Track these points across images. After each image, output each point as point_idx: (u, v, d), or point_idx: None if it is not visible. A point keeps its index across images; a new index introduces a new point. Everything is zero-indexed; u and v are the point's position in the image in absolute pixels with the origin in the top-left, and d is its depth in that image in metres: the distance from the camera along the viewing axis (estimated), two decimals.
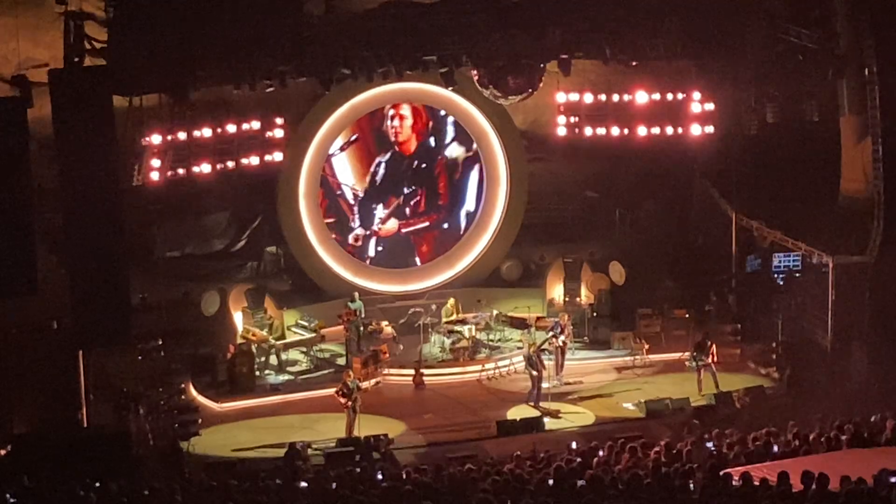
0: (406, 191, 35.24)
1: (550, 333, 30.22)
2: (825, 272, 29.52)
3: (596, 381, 30.33)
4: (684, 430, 24.47)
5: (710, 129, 31.41)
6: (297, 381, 30.65)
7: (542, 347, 29.49)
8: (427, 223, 35.66)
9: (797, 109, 30.50)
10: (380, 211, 34.97)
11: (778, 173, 32.78)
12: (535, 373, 28.26)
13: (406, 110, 34.67)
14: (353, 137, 34.28)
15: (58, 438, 23.99)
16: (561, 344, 29.98)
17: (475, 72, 29.08)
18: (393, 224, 35.23)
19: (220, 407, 29.06)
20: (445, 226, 35.91)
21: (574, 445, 22.17)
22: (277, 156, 30.27)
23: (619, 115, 31.10)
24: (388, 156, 34.82)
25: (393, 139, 34.78)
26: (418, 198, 35.41)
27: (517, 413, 27.74)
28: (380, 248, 35.23)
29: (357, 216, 34.86)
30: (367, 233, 35.05)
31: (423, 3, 28.23)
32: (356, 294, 32.52)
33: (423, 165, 35.29)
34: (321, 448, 25.44)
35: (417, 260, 35.65)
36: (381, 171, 34.81)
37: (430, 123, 35.00)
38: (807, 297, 30.66)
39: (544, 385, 28.48)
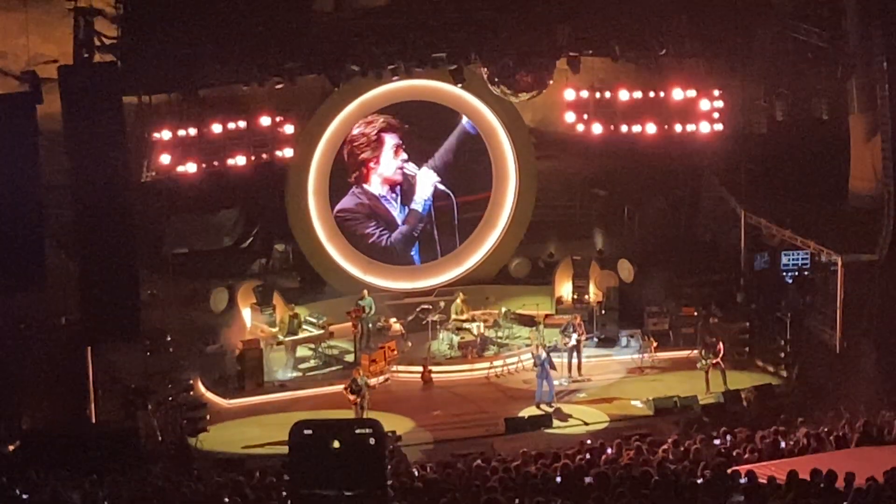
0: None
1: (563, 333, 30.24)
2: (834, 270, 29.49)
3: (604, 378, 30.34)
4: (692, 428, 24.47)
5: (719, 126, 31.27)
6: (305, 377, 30.68)
7: (552, 346, 29.51)
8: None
9: (806, 107, 30.50)
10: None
11: (787, 171, 32.77)
12: (542, 372, 28.24)
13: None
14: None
15: (66, 434, 24.03)
16: (574, 343, 30.00)
17: (485, 69, 29.07)
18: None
19: (229, 403, 29.10)
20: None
21: (582, 443, 22.14)
22: (287, 152, 30.20)
23: (628, 113, 31.01)
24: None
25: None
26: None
27: (527, 412, 27.75)
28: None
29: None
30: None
31: None
32: (366, 291, 32.55)
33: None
34: None
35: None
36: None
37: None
38: (815, 296, 30.65)
39: (553, 383, 28.49)
